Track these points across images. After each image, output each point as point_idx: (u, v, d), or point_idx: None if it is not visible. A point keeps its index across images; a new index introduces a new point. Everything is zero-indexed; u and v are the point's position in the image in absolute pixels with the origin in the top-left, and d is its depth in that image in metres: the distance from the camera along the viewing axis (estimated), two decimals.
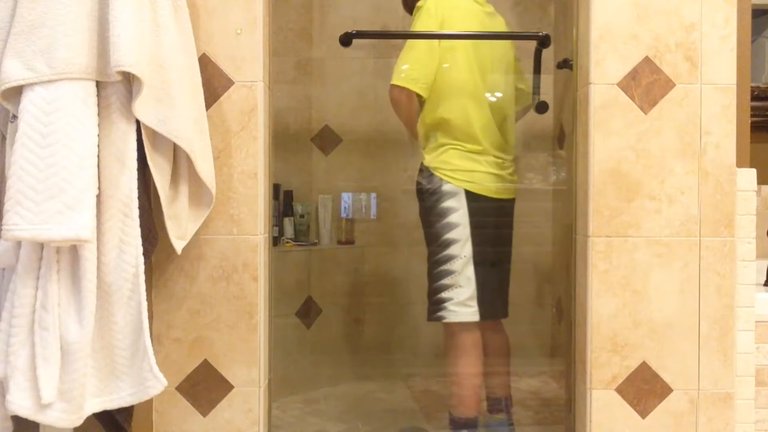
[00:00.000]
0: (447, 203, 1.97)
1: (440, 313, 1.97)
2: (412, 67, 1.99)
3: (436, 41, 1.98)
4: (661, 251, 1.62)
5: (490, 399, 2.15)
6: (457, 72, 2.02)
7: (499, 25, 2.16)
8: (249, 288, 1.60)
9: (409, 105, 2.02)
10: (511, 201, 2.14)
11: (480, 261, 1.98)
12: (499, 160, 2.08)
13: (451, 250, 1.96)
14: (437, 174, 1.99)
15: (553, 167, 2.95)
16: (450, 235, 1.97)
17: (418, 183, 2.05)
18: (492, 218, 2.04)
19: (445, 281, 1.97)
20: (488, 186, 2.01)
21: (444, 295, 1.96)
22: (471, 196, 1.98)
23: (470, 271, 1.96)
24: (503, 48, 2.16)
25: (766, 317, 1.71)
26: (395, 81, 1.99)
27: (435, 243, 1.99)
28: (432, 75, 1.98)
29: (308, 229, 3.01)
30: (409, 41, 2.04)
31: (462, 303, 1.95)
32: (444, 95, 2.02)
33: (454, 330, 1.99)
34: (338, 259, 3.01)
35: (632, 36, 1.61)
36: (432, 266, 2.00)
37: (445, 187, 1.97)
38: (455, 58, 2.02)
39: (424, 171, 2.03)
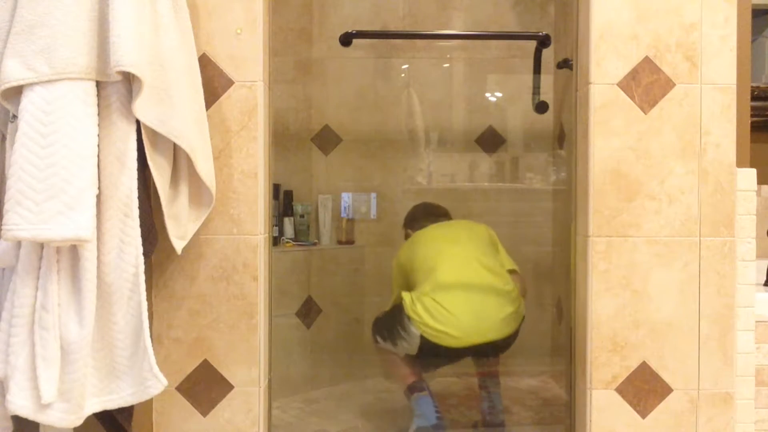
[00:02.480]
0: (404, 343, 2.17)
1: (376, 339, 2.24)
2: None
3: (397, 270, 2.34)
4: (661, 251, 1.62)
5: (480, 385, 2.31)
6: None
7: (479, 235, 2.34)
8: (249, 288, 1.60)
9: None
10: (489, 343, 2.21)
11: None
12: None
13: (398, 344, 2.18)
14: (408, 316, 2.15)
15: (553, 167, 2.95)
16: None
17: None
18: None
19: (386, 335, 2.20)
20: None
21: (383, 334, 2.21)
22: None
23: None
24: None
25: (766, 317, 1.71)
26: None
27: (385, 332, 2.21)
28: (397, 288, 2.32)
29: (308, 229, 3.01)
30: None
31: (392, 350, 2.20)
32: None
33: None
34: (338, 259, 3.01)
35: (632, 36, 1.61)
36: (385, 324, 2.22)
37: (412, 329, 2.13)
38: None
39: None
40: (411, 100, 3.07)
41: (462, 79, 3.14)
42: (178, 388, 1.60)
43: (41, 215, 1.25)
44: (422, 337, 2.10)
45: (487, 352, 2.25)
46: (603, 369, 1.62)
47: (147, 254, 1.41)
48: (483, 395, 2.28)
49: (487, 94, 3.14)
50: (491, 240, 2.32)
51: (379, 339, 2.23)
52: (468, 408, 2.48)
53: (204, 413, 1.61)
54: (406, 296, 2.16)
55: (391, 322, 2.18)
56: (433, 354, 2.16)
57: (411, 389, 2.16)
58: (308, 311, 2.89)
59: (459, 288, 2.16)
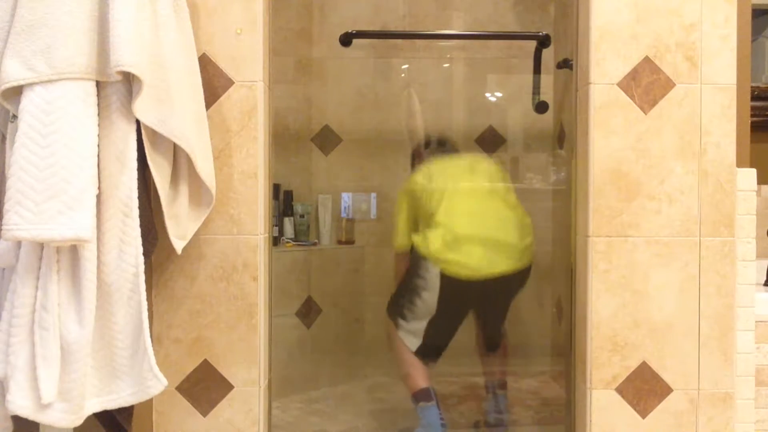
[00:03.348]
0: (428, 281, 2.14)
1: (396, 320, 2.18)
2: (393, 231, 2.31)
3: (404, 204, 2.26)
4: (661, 251, 1.62)
5: (486, 386, 2.31)
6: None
7: (490, 170, 2.32)
8: (249, 288, 1.60)
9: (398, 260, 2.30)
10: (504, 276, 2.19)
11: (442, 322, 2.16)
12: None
13: (416, 305, 2.15)
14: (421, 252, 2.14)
15: (553, 167, 2.95)
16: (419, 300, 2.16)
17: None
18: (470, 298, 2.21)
19: (405, 311, 2.16)
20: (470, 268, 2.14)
21: (402, 311, 2.18)
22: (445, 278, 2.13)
23: (426, 320, 2.14)
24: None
25: (766, 317, 1.71)
26: (395, 250, 2.30)
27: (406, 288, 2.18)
28: (404, 230, 2.25)
29: (308, 229, 3.01)
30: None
31: (410, 332, 2.17)
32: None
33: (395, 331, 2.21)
34: (338, 259, 3.01)
35: (632, 36, 1.61)
36: (402, 291, 2.19)
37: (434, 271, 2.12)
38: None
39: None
40: (411, 100, 3.07)
41: (462, 79, 3.14)
42: (178, 388, 1.60)
43: (41, 215, 1.25)
44: (442, 277, 2.08)
45: (507, 287, 2.21)
46: (603, 369, 1.62)
47: (147, 254, 1.40)
48: (489, 397, 2.27)
49: (487, 94, 3.14)
50: (505, 177, 2.29)
51: (398, 314, 2.17)
52: (468, 408, 2.48)
53: (204, 413, 1.61)
54: (417, 238, 2.14)
55: (407, 280, 2.15)
56: (454, 293, 2.12)
57: (418, 396, 2.14)
58: (308, 311, 2.89)
59: (477, 218, 2.14)
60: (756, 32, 2.27)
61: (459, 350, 2.27)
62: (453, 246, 2.08)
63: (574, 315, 1.73)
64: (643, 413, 1.62)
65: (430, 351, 2.17)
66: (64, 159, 1.26)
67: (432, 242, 2.10)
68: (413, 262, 2.15)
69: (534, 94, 2.27)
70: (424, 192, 2.21)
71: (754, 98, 2.03)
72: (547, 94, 2.41)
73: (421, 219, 2.20)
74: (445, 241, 2.09)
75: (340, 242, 3.04)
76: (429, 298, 2.12)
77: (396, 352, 2.21)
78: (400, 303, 2.18)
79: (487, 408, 2.29)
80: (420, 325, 2.14)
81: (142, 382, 1.36)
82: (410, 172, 2.43)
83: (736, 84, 1.61)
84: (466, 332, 2.26)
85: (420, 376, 2.15)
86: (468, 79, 3.13)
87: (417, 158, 2.49)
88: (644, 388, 1.62)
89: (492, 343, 2.29)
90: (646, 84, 1.61)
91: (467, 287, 2.12)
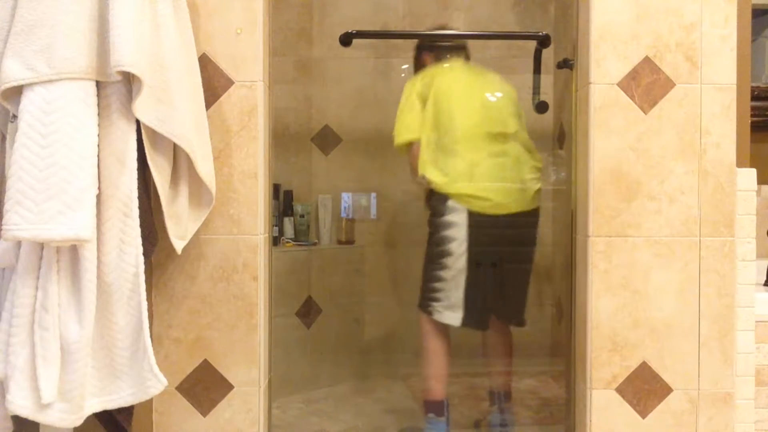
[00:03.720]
0: (448, 217, 2.10)
1: (430, 305, 2.12)
2: (397, 125, 2.18)
3: (414, 96, 2.15)
4: (661, 251, 1.62)
5: (489, 393, 2.27)
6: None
7: (494, 81, 2.29)
8: (249, 288, 1.60)
9: (411, 154, 2.18)
10: (522, 214, 2.19)
11: (474, 274, 2.10)
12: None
13: (446, 260, 2.09)
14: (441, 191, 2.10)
15: (553, 167, 2.95)
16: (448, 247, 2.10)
17: (427, 193, 2.16)
18: (494, 233, 2.16)
19: (437, 284, 2.10)
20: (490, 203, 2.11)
21: (435, 294, 2.11)
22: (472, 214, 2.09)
23: (461, 282, 2.09)
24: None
25: (766, 317, 1.71)
26: (396, 141, 2.18)
27: (433, 248, 2.12)
28: (415, 120, 2.14)
29: (308, 229, 3.01)
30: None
31: (448, 307, 2.10)
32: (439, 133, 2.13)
33: (426, 322, 2.14)
34: (338, 259, 3.00)
35: (632, 36, 1.61)
36: (427, 267, 2.13)
37: (449, 203, 2.09)
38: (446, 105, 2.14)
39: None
40: None
41: None
42: (178, 388, 1.60)
43: (41, 215, 1.25)
44: (469, 214, 2.06)
45: (525, 225, 2.20)
46: (603, 369, 1.62)
47: (147, 254, 1.41)
48: (494, 409, 2.25)
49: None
50: (518, 105, 2.24)
51: (430, 295, 2.11)
52: (468, 408, 2.48)
53: (204, 413, 1.61)
54: (434, 173, 2.09)
55: (432, 244, 2.11)
56: (483, 233, 2.09)
57: (431, 407, 2.10)
58: (308, 311, 2.89)
59: (495, 147, 2.13)
60: (756, 32, 2.27)
61: (460, 350, 2.27)
62: (475, 179, 2.05)
63: (574, 315, 1.73)
64: (643, 413, 1.62)
65: (475, 317, 2.12)
66: (64, 159, 1.26)
67: (453, 177, 2.06)
68: (435, 206, 2.10)
69: (534, 94, 2.27)
70: (439, 104, 2.13)
71: (754, 98, 2.03)
72: (547, 94, 2.41)
73: (432, 135, 2.13)
74: (466, 174, 2.06)
75: (340, 242, 3.04)
76: (457, 248, 2.07)
77: (426, 352, 2.15)
78: (430, 277, 2.11)
79: (492, 421, 2.27)
80: (457, 294, 2.08)
81: (142, 382, 1.36)
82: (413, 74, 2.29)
83: (736, 84, 1.61)
84: (467, 332, 2.26)
85: (440, 385, 2.11)
86: None
87: (424, 60, 2.33)
88: (644, 388, 1.62)
89: (518, 315, 2.23)
90: (646, 84, 1.61)
91: (494, 224, 2.10)
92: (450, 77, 2.22)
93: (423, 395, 2.14)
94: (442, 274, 2.10)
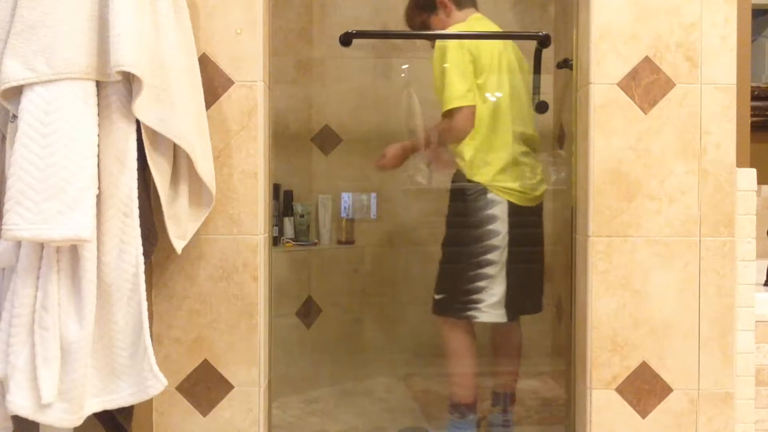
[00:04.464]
0: (491, 211, 2.08)
1: (469, 314, 2.07)
2: (459, 86, 2.06)
3: (467, 60, 2.07)
4: (661, 251, 1.62)
5: (494, 394, 2.26)
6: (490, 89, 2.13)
7: (515, 51, 2.25)
8: (249, 288, 1.60)
9: (473, 120, 2.10)
10: (539, 206, 2.23)
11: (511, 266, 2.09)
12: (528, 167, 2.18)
13: (491, 256, 2.07)
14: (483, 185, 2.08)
15: (553, 167, 2.95)
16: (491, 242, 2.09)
17: (457, 187, 2.15)
18: (526, 224, 2.16)
19: (481, 283, 2.07)
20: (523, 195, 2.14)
21: (478, 295, 2.07)
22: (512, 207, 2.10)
23: (503, 276, 2.07)
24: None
25: (766, 317, 1.71)
26: (458, 103, 2.06)
27: (474, 245, 2.09)
28: (473, 87, 2.08)
29: (308, 229, 3.01)
30: (443, 69, 2.11)
31: (493, 305, 2.07)
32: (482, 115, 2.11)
33: (454, 326, 2.11)
34: (338, 259, 3.01)
35: (632, 36, 1.61)
36: (467, 267, 2.09)
37: (489, 196, 2.08)
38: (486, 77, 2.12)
39: (463, 177, 2.11)
40: (411, 100, 3.07)
41: None
42: (178, 388, 1.60)
43: (41, 215, 1.25)
44: (510, 205, 2.06)
45: (541, 216, 2.23)
46: (603, 369, 1.62)
47: (147, 254, 1.41)
48: (496, 411, 2.25)
49: (488, 94, 3.14)
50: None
51: (467, 299, 2.06)
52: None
53: (204, 413, 1.61)
54: (479, 173, 2.07)
55: (474, 228, 2.08)
56: (511, 216, 2.09)
57: (457, 408, 2.09)
58: (308, 311, 2.89)
59: (524, 156, 2.15)
60: (756, 32, 2.27)
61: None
62: (509, 170, 2.07)
63: (574, 315, 1.73)
64: (643, 413, 1.62)
65: (513, 310, 2.09)
66: (64, 159, 1.26)
67: (495, 167, 2.06)
68: (473, 200, 2.08)
69: (534, 94, 2.27)
70: (487, 99, 2.11)
71: (754, 98, 2.03)
72: (547, 94, 2.41)
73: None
74: (507, 167, 2.07)
75: (340, 242, 3.04)
76: (501, 242, 2.05)
77: (456, 355, 2.12)
78: (472, 277, 2.05)
79: (492, 421, 2.26)
80: (501, 290, 2.05)
81: (142, 382, 1.36)
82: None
83: (736, 84, 1.61)
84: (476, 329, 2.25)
85: (471, 388, 2.09)
86: None
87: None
88: (644, 388, 1.62)
89: (538, 302, 2.21)
90: (646, 84, 1.61)
91: (528, 215, 2.11)
92: (497, 65, 2.14)
93: (451, 397, 2.11)
94: (488, 271, 2.05)
